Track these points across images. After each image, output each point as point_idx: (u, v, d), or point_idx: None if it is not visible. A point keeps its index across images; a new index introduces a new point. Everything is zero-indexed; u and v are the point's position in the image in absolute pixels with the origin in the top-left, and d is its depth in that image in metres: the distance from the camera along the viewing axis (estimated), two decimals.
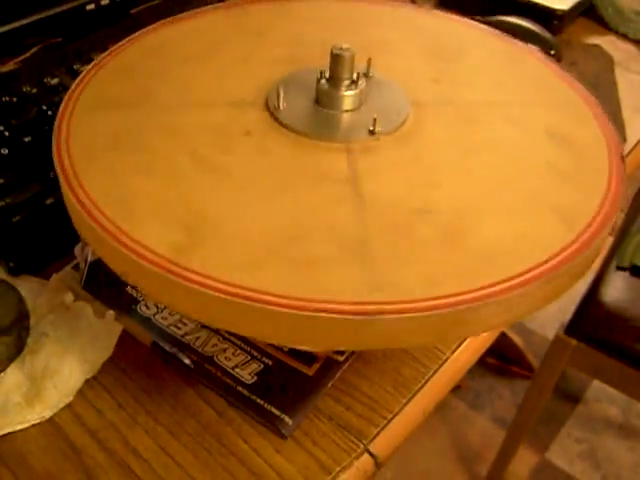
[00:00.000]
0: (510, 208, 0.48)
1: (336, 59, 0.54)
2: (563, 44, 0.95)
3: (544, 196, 0.49)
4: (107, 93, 0.58)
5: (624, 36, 1.02)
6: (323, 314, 0.40)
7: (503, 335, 1.87)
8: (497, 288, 0.42)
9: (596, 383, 1.84)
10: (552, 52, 0.88)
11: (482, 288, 0.42)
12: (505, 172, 0.51)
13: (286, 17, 0.70)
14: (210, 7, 0.71)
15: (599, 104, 0.59)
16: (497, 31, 0.68)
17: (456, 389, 1.86)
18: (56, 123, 0.54)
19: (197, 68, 0.61)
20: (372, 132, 0.53)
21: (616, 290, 1.28)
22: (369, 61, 0.58)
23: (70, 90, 0.58)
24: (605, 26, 1.04)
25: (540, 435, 1.76)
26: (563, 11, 0.97)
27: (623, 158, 0.53)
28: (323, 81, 0.56)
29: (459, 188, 0.49)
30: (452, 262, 0.44)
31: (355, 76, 0.55)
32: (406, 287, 0.42)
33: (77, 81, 0.59)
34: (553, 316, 1.78)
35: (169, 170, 0.50)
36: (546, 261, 0.44)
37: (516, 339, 1.89)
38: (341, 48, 0.54)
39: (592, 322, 1.24)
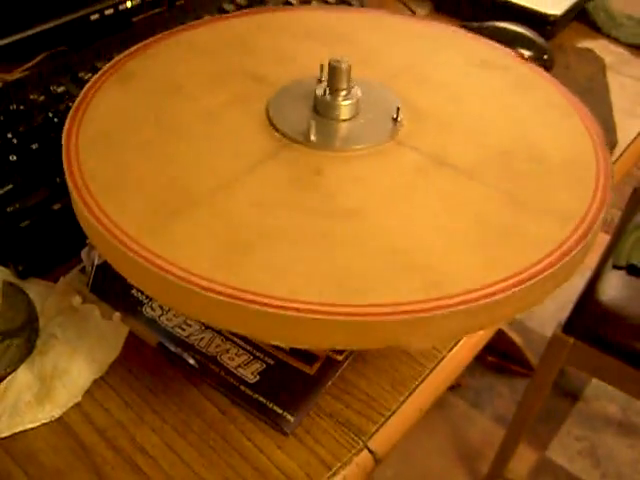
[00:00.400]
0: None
1: (333, 70, 0.56)
2: (556, 48, 0.96)
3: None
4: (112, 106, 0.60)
5: (616, 40, 1.03)
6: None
7: (502, 333, 1.89)
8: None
9: (595, 381, 1.85)
10: (545, 57, 0.90)
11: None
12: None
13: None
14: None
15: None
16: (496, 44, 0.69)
17: (456, 387, 1.87)
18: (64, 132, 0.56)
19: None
20: (307, 137, 0.56)
21: (613, 288, 1.29)
22: (398, 110, 0.59)
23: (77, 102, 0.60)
24: (597, 30, 1.06)
25: (540, 433, 1.77)
26: (556, 16, 0.98)
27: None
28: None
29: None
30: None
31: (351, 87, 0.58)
32: None
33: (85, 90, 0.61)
34: (552, 314, 1.80)
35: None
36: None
37: (515, 337, 1.90)
38: (338, 60, 0.56)
39: (589, 320, 1.26)
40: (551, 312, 1.89)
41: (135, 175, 0.52)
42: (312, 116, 0.58)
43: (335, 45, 0.68)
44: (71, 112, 0.58)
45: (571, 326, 1.26)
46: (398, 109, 0.58)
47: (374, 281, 0.45)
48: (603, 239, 1.71)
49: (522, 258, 0.47)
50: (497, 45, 0.70)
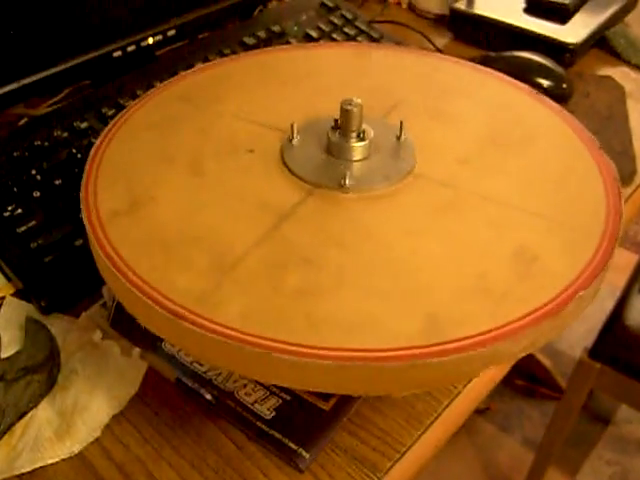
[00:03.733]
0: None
1: (345, 113, 0.57)
2: (575, 76, 0.96)
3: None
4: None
5: (636, 67, 1.03)
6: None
7: (531, 357, 1.88)
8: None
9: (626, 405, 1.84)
10: (564, 86, 0.90)
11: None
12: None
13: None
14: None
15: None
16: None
17: (485, 411, 1.86)
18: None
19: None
20: (342, 185, 0.56)
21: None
22: (401, 124, 0.60)
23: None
24: (617, 57, 1.05)
25: (570, 457, 1.76)
26: (575, 44, 0.98)
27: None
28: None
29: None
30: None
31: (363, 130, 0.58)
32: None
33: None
34: (582, 337, 1.79)
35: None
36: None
37: (545, 360, 1.89)
38: (350, 103, 0.56)
39: (615, 345, 1.25)
40: (581, 334, 1.88)
41: (167, 236, 0.52)
42: (328, 159, 0.58)
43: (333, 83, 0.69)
44: (85, 174, 0.58)
45: (597, 351, 1.26)
46: (412, 143, 0.59)
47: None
48: (631, 259, 1.70)
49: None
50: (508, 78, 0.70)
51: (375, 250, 0.51)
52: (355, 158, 0.58)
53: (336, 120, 0.58)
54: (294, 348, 0.43)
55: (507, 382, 1.93)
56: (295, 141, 0.59)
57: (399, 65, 0.73)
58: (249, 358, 0.44)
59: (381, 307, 0.46)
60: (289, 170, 0.58)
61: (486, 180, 0.57)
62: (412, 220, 0.53)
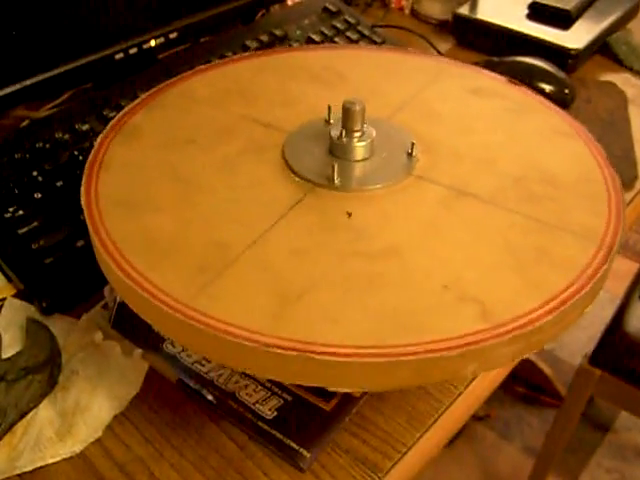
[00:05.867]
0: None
1: (347, 113, 0.57)
2: (578, 82, 0.97)
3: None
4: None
5: (638, 73, 1.03)
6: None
7: (532, 364, 1.87)
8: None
9: (626, 412, 1.84)
10: (566, 91, 0.90)
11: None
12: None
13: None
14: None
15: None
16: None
17: (485, 418, 1.86)
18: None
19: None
20: (331, 180, 0.56)
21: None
22: (413, 145, 0.60)
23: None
24: (620, 64, 1.06)
25: (570, 464, 1.75)
26: (577, 50, 0.99)
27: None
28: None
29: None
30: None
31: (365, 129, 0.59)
32: None
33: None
34: (583, 344, 1.78)
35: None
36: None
37: (545, 368, 1.89)
38: (352, 102, 0.57)
39: (615, 352, 1.25)
40: (582, 342, 1.87)
41: (166, 236, 0.52)
42: (329, 158, 0.58)
43: (334, 84, 0.70)
44: (85, 177, 0.58)
45: (597, 358, 1.26)
46: (413, 144, 0.59)
47: (428, 318, 0.46)
48: (631, 267, 1.70)
49: (558, 279, 0.48)
50: (488, 72, 0.71)
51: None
52: (357, 158, 0.58)
53: (339, 119, 0.59)
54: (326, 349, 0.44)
55: (507, 389, 1.92)
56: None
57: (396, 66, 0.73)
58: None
59: (386, 304, 0.47)
60: (291, 169, 0.58)
61: (485, 181, 0.57)
62: (412, 221, 0.54)
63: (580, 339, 1.92)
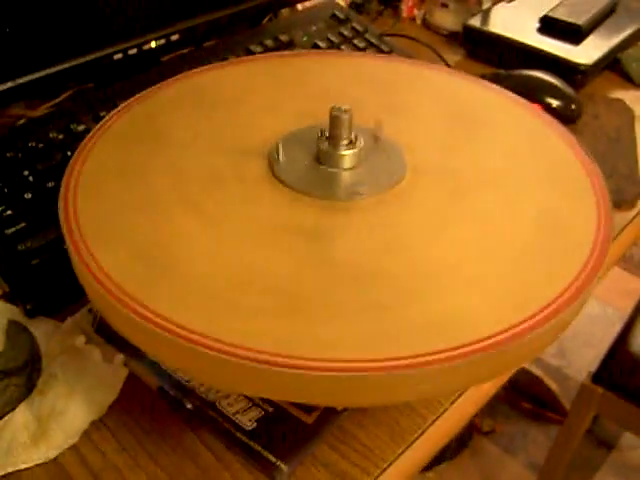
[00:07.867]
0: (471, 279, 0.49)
1: (335, 120, 0.56)
2: (586, 98, 0.96)
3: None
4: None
5: None
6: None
7: (538, 380, 1.86)
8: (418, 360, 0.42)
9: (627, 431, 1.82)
10: (572, 107, 0.89)
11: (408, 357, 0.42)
12: (478, 244, 0.52)
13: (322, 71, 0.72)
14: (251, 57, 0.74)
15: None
16: (521, 99, 0.68)
17: (490, 433, 1.85)
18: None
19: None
20: (356, 193, 0.55)
21: None
22: (378, 122, 0.59)
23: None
24: (630, 81, 1.05)
25: None
26: (586, 66, 0.98)
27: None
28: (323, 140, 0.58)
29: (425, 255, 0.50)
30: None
31: (353, 136, 0.57)
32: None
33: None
34: (590, 361, 1.77)
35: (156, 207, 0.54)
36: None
37: (551, 384, 1.88)
38: (340, 109, 0.55)
39: (618, 371, 1.24)
40: (589, 359, 1.87)
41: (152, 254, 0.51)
42: (317, 167, 0.57)
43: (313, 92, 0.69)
44: (65, 178, 0.57)
45: (600, 376, 1.25)
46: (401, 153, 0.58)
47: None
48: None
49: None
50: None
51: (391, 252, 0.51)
52: (344, 166, 0.57)
53: (324, 128, 0.58)
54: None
55: (513, 404, 1.91)
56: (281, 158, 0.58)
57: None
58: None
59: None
60: (277, 178, 0.57)
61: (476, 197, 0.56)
62: (412, 221, 0.53)
63: (588, 356, 1.91)
